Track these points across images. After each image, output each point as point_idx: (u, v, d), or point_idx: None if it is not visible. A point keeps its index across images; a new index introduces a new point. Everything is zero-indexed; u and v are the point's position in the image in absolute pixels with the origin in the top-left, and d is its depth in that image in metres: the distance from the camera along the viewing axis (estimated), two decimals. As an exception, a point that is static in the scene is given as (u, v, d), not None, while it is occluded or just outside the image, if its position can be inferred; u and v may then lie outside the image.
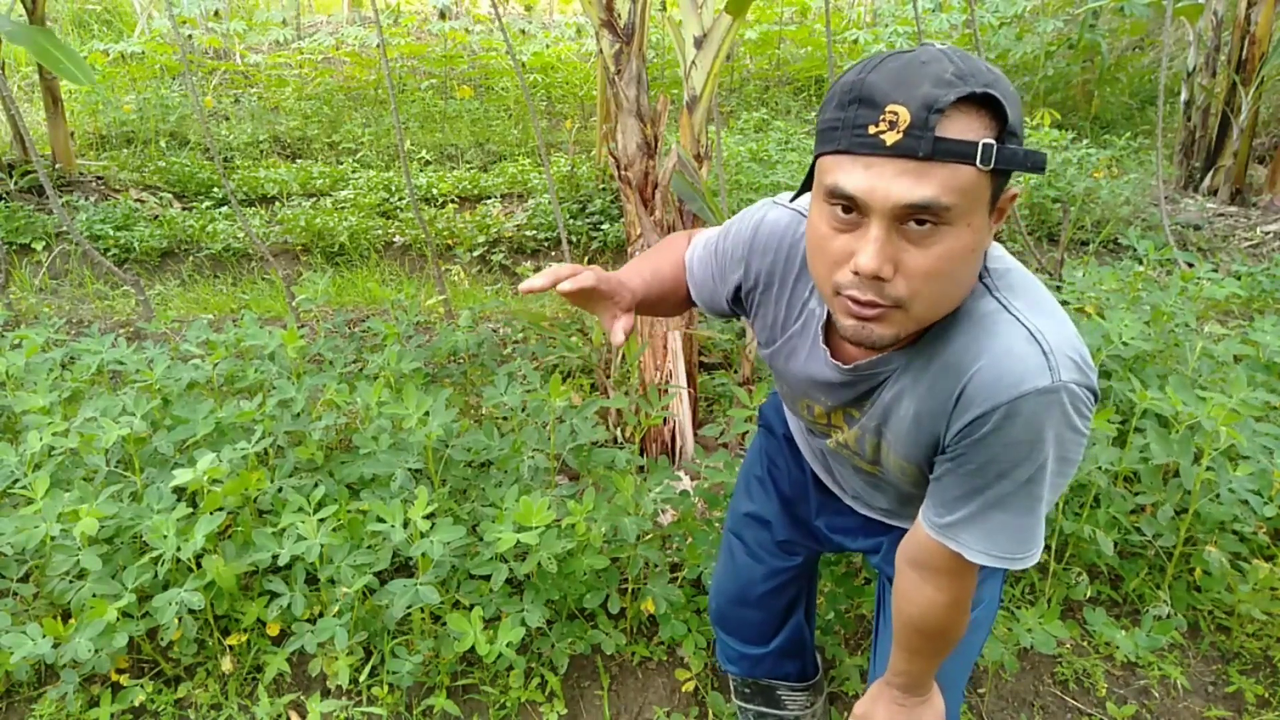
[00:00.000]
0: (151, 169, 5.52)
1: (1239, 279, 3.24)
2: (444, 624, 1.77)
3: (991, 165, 0.78)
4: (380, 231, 4.72)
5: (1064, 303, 2.79)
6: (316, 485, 1.88)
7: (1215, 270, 2.86)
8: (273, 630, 1.84)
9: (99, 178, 5.26)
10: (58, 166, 5.09)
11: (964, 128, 0.77)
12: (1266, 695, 1.83)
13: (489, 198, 5.31)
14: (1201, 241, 4.60)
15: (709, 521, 1.94)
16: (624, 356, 2.49)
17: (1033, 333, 0.87)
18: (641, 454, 2.47)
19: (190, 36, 7.74)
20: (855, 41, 7.17)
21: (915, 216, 0.79)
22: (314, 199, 5.25)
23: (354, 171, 5.74)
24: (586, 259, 4.55)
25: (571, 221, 4.68)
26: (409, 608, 1.64)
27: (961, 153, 0.77)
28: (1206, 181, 5.29)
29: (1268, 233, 4.70)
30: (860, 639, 1.93)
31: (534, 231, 4.74)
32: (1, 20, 3.36)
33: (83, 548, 1.67)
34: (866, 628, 1.95)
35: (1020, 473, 0.90)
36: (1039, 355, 0.86)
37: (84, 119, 6.19)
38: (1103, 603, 2.03)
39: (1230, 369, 2.24)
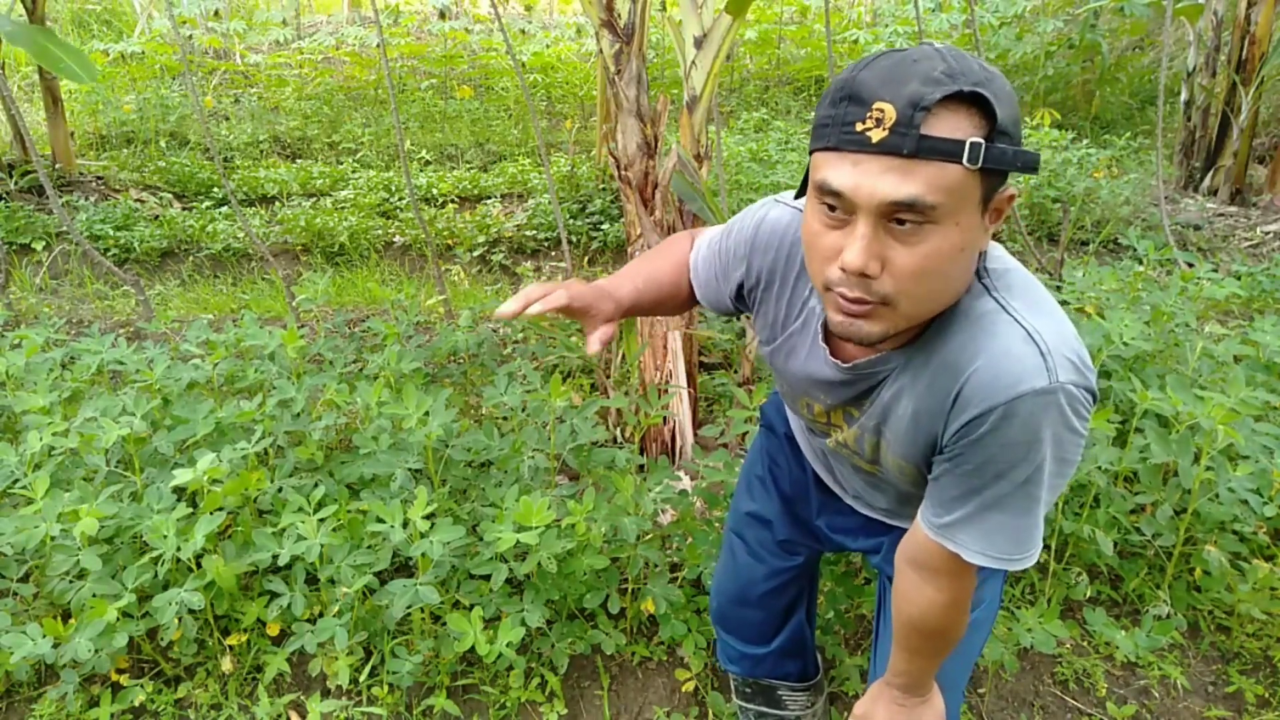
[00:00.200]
0: (151, 169, 5.52)
1: (1239, 279, 3.25)
2: (444, 624, 1.77)
3: (979, 164, 0.78)
4: (380, 231, 4.72)
5: (1064, 303, 2.79)
6: (316, 485, 1.88)
7: (1215, 270, 2.86)
8: (273, 630, 1.84)
9: (99, 178, 5.26)
10: (58, 166, 5.09)
11: (951, 126, 0.77)
12: (1266, 695, 1.83)
13: (489, 198, 5.31)
14: (1201, 241, 4.60)
15: (709, 521, 1.94)
16: (624, 356, 2.49)
17: (1030, 333, 0.87)
18: (641, 454, 2.47)
19: (190, 36, 7.74)
20: (855, 41, 7.17)
21: (901, 214, 0.79)
22: (314, 199, 5.25)
23: (354, 171, 5.74)
24: (586, 259, 4.55)
25: (571, 221, 4.68)
26: (409, 608, 1.64)
27: (947, 151, 0.77)
28: (1206, 181, 5.29)
29: (1268, 233, 4.70)
30: (860, 639, 1.93)
31: (534, 231, 4.74)
32: (1, 20, 3.36)
33: (83, 548, 1.67)
34: (867, 628, 1.95)
35: (1018, 473, 0.90)
36: (1036, 356, 0.86)
37: (84, 119, 6.19)
38: (1103, 603, 2.03)
39: (1230, 369, 2.23)
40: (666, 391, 2.36)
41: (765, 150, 5.42)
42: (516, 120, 6.81)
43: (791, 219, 1.05)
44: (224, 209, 5.02)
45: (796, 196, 1.04)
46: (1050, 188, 4.76)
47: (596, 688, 1.82)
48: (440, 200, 5.27)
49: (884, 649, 1.29)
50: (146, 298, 3.30)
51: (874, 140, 0.78)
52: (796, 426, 1.35)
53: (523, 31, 9.12)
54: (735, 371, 2.94)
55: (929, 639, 1.09)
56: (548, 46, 8.18)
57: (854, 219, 0.81)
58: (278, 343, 2.28)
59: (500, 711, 1.75)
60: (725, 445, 2.57)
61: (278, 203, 5.24)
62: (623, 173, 2.32)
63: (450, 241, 4.67)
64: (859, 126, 0.78)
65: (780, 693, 1.54)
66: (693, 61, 2.31)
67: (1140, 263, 3.45)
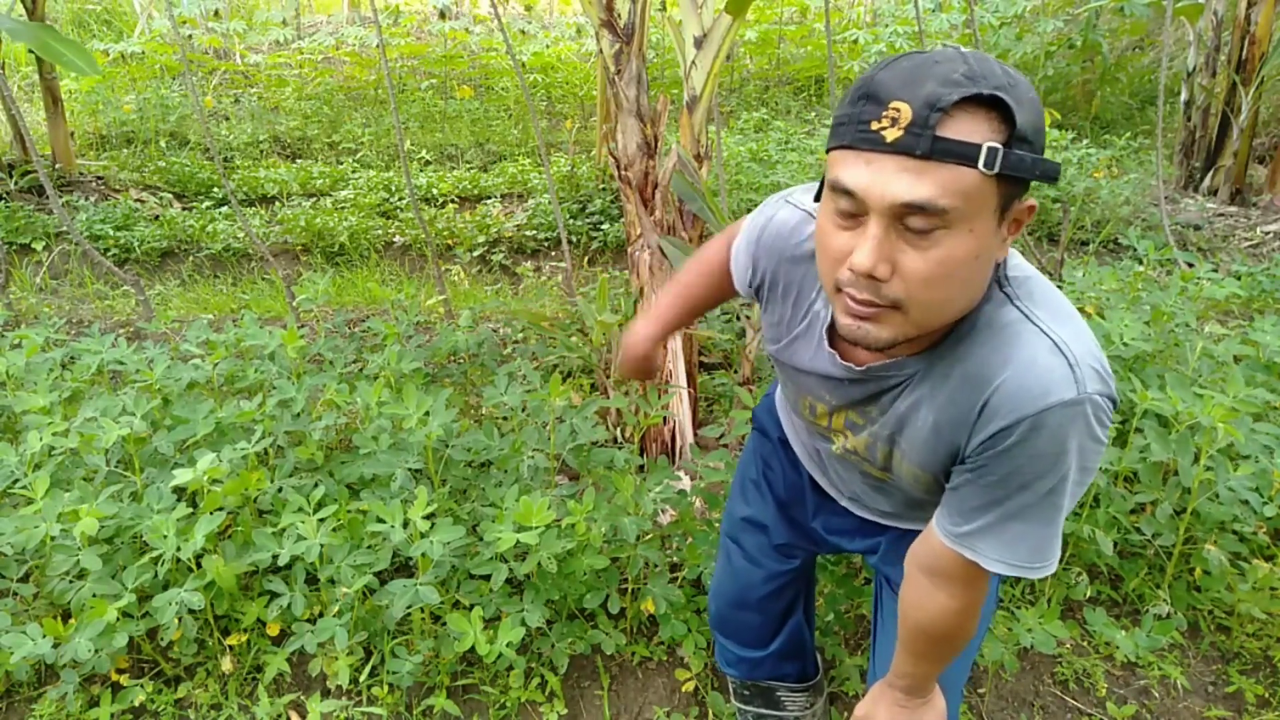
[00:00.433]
0: (151, 169, 5.52)
1: (1239, 279, 3.25)
2: (444, 624, 1.77)
3: (996, 170, 0.76)
4: (380, 231, 4.72)
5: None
6: (316, 485, 1.88)
7: (1215, 270, 2.86)
8: (273, 630, 1.84)
9: (99, 178, 5.26)
10: (58, 166, 5.09)
11: (968, 129, 0.76)
12: (1266, 695, 1.82)
13: (489, 198, 5.31)
14: (1201, 241, 4.60)
15: (708, 521, 1.94)
16: (624, 356, 2.49)
17: (1057, 343, 0.86)
18: (641, 454, 2.47)
19: (190, 36, 7.74)
20: (855, 41, 7.17)
21: (914, 216, 0.78)
22: (314, 199, 5.25)
23: (354, 171, 5.74)
24: (586, 259, 4.55)
25: (571, 221, 4.68)
26: (409, 608, 1.64)
27: (962, 154, 0.75)
28: (1206, 181, 5.29)
29: (1268, 233, 4.70)
30: (860, 639, 1.93)
31: (534, 231, 4.74)
32: (2, 19, 3.37)
33: (83, 548, 1.67)
34: (866, 628, 1.95)
35: (1043, 484, 0.89)
36: (1065, 367, 0.85)
37: (84, 119, 6.19)
38: (1103, 603, 2.03)
39: (1230, 369, 2.23)
40: (666, 391, 2.36)
41: (765, 150, 5.43)
42: (516, 120, 6.81)
43: (799, 220, 1.04)
44: (224, 209, 5.02)
45: (816, 196, 1.04)
46: (1050, 188, 4.76)
47: (596, 688, 1.82)
48: (440, 200, 5.27)
49: (883, 649, 1.29)
50: (146, 298, 3.30)
51: (888, 140, 0.77)
52: (792, 429, 1.34)
53: (523, 31, 9.12)
54: (735, 371, 2.93)
55: (936, 644, 1.08)
56: (548, 46, 8.18)
57: (866, 220, 0.81)
58: (278, 343, 2.28)
59: (500, 711, 1.75)
60: (725, 445, 2.57)
61: (278, 203, 5.24)
62: (623, 173, 2.32)
63: (450, 241, 4.67)
64: (874, 125, 0.77)
65: (779, 694, 1.54)
66: (693, 61, 2.31)
67: (1140, 263, 3.45)
